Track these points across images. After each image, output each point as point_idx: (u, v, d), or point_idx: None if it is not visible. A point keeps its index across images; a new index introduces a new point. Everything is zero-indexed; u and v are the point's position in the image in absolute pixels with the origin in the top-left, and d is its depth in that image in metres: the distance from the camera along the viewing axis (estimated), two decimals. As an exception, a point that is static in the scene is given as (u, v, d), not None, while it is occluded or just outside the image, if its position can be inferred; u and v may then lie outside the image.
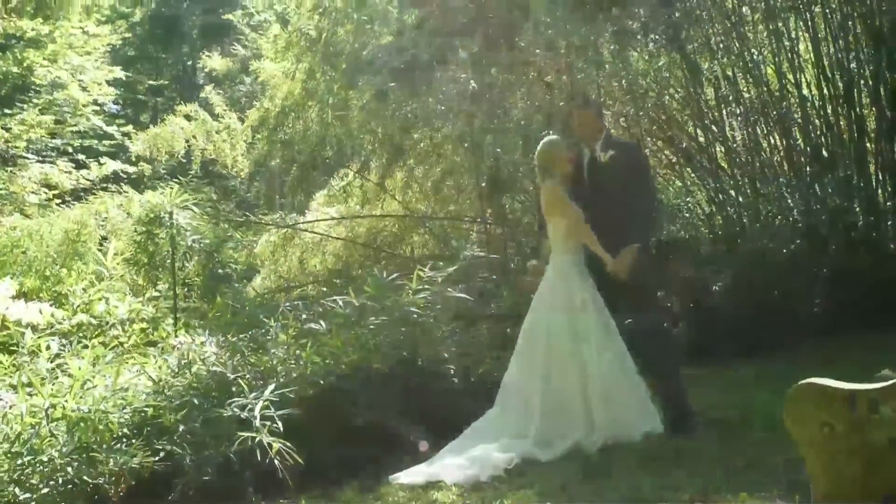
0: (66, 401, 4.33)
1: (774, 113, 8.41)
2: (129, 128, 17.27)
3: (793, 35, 8.39)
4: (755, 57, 8.51)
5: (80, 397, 4.40)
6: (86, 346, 5.21)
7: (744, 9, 8.64)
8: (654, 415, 4.84)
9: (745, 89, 8.58)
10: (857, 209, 7.85)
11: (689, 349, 5.95)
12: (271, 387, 4.44)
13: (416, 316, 5.38)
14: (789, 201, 8.14)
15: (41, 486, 4.05)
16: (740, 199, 8.41)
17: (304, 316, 5.51)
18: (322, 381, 4.81)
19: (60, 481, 4.08)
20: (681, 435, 4.70)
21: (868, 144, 8.18)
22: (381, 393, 4.92)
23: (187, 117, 10.31)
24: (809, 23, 8.26)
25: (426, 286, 5.57)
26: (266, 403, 4.31)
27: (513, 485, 4.20)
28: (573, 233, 4.97)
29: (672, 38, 8.28)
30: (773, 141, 8.58)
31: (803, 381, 3.16)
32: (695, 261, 7.55)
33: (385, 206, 10.14)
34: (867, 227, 7.80)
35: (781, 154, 8.50)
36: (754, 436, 4.54)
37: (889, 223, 7.94)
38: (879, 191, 8.12)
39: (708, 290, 7.25)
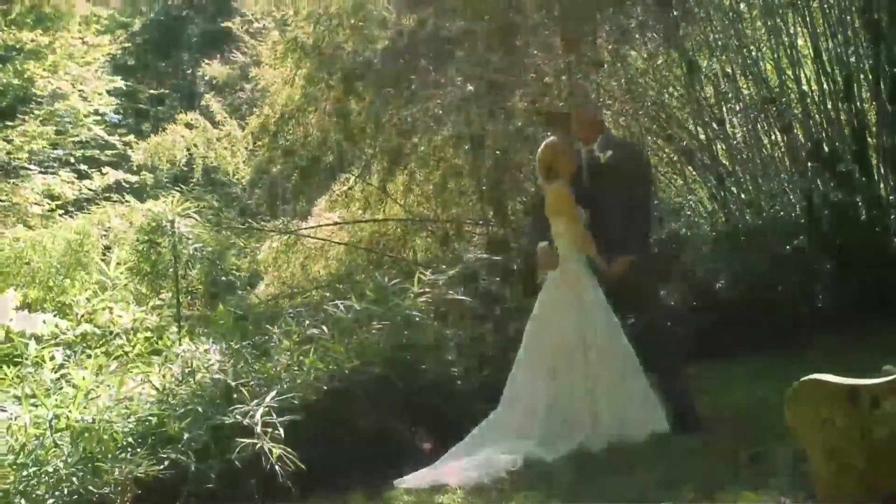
0: (71, 411, 4.35)
1: (774, 109, 8.39)
2: (131, 137, 17.27)
3: (791, 31, 8.37)
4: (754, 53, 8.51)
5: (85, 407, 4.43)
6: (90, 356, 5.22)
7: (741, 5, 8.64)
8: (658, 413, 4.83)
9: (744, 86, 8.57)
10: (860, 204, 7.83)
11: (691, 347, 5.93)
12: (272, 393, 4.46)
13: (418, 319, 5.39)
14: (791, 197, 8.13)
15: (47, 496, 4.07)
16: (742, 195, 8.40)
17: (307, 321, 5.51)
18: (325, 387, 4.82)
19: (66, 492, 4.09)
20: (684, 433, 4.70)
21: (869, 139, 8.16)
22: (385, 397, 4.92)
23: (188, 125, 10.33)
24: (808, 18, 8.24)
25: (429, 289, 5.58)
26: (267, 410, 4.32)
27: (517, 486, 4.19)
28: (573, 235, 4.98)
29: (670, 36, 8.28)
30: (773, 137, 8.57)
31: (805, 378, 3.16)
32: (697, 258, 7.55)
33: (387, 210, 10.15)
34: (870, 221, 7.78)
35: (782, 150, 8.49)
36: (757, 433, 4.53)
37: (892, 217, 7.91)
38: (882, 185, 8.09)
39: (710, 288, 7.23)
